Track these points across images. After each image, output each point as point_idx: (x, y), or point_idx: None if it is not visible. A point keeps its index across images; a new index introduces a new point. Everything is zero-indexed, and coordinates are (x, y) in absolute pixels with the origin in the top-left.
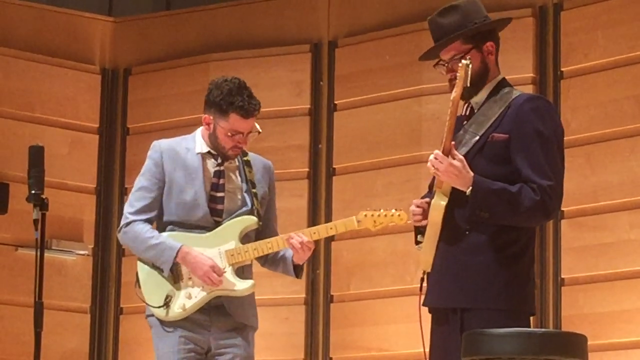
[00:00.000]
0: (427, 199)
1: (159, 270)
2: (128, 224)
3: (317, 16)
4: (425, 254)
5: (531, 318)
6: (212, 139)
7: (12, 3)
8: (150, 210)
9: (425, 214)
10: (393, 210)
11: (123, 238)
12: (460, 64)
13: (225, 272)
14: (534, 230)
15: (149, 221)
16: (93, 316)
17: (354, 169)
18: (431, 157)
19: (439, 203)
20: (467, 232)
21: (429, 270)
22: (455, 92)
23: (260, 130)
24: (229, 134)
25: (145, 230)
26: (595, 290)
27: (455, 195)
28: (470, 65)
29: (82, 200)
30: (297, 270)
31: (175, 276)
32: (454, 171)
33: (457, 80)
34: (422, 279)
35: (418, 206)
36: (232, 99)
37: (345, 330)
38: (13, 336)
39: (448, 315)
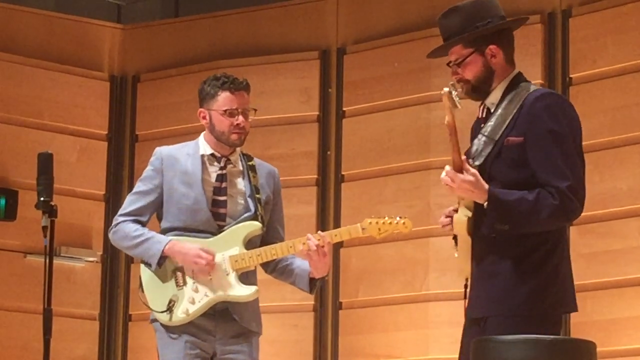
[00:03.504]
0: (456, 207)
1: (149, 265)
2: (117, 224)
3: (325, 23)
4: (463, 263)
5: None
6: (212, 131)
7: (21, 10)
8: (141, 214)
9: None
10: (398, 218)
11: (113, 238)
12: (442, 92)
13: (228, 273)
14: (561, 232)
15: (138, 222)
16: (102, 323)
17: (362, 175)
18: (443, 174)
19: (461, 218)
20: (492, 243)
21: (469, 277)
22: (448, 118)
23: (256, 109)
24: (223, 113)
25: (135, 229)
26: (604, 297)
27: (478, 207)
28: (454, 91)
29: (91, 207)
30: (312, 284)
31: (177, 279)
32: (468, 187)
33: (445, 109)
34: (466, 286)
35: (447, 216)
36: (218, 81)
37: (353, 337)
38: (22, 343)
39: (477, 322)
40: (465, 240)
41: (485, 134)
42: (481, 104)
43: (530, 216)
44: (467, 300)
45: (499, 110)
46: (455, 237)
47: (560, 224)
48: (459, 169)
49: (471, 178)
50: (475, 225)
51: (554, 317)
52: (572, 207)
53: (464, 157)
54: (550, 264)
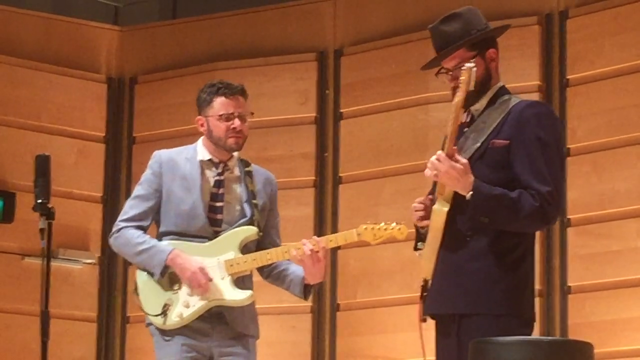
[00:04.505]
0: (431, 196)
1: (151, 274)
2: (119, 230)
3: (323, 25)
4: (426, 261)
5: (536, 326)
6: (210, 137)
7: (19, 12)
8: (142, 219)
9: (426, 212)
10: (393, 224)
11: (114, 244)
12: (464, 68)
13: (212, 278)
14: (533, 236)
15: (140, 228)
16: (100, 325)
17: (360, 177)
18: (432, 158)
19: (441, 209)
20: (468, 239)
21: (429, 277)
22: (459, 97)
23: (253, 112)
24: (219, 118)
25: (137, 236)
26: (602, 298)
27: (457, 201)
28: (475, 69)
29: (89, 209)
30: (306, 290)
31: (173, 284)
32: (455, 174)
33: (460, 85)
34: (423, 287)
35: (420, 202)
36: (213, 88)
37: (351, 338)
38: (20, 345)
39: (450, 322)
40: (437, 233)
41: (470, 136)
42: (465, 110)
43: (510, 213)
44: (423, 299)
45: (484, 117)
46: (417, 230)
47: (536, 226)
48: (450, 157)
49: (460, 167)
50: (451, 219)
51: (527, 319)
52: (551, 211)
53: (454, 148)
54: (523, 266)
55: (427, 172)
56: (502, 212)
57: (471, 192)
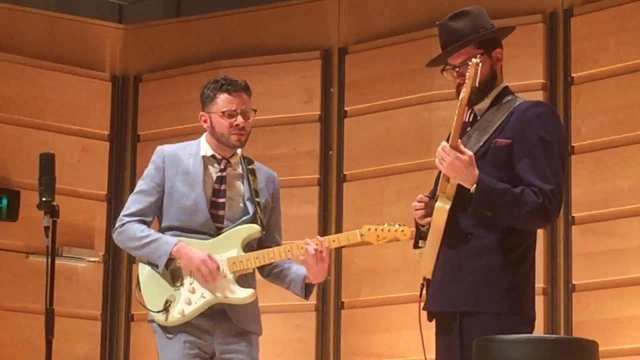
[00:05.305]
0: (428, 194)
1: (156, 266)
2: (123, 224)
3: (327, 23)
4: (427, 260)
5: (540, 324)
6: (213, 134)
7: (23, 11)
8: (146, 214)
9: (427, 210)
10: (397, 226)
11: (118, 238)
12: (470, 63)
13: (225, 275)
14: (535, 234)
15: (143, 223)
16: (104, 323)
17: (364, 175)
18: (439, 148)
19: (443, 206)
20: (469, 236)
21: (429, 276)
22: (464, 92)
23: (256, 109)
24: (222, 114)
25: (141, 230)
26: (606, 297)
27: (459, 199)
28: (480, 64)
29: (93, 207)
30: (307, 289)
31: (175, 280)
32: (460, 165)
33: (466, 80)
34: (422, 285)
35: (420, 200)
36: (216, 84)
37: (356, 336)
38: (24, 343)
39: (451, 320)
40: (439, 231)
41: (473, 135)
42: (469, 109)
43: (513, 207)
44: (424, 297)
45: (487, 116)
46: (418, 228)
47: (537, 223)
48: (454, 149)
49: (465, 158)
50: (453, 217)
51: (528, 317)
52: (552, 209)
53: (459, 141)
54: (524, 264)
55: (437, 161)
56: (505, 206)
57: (475, 185)
